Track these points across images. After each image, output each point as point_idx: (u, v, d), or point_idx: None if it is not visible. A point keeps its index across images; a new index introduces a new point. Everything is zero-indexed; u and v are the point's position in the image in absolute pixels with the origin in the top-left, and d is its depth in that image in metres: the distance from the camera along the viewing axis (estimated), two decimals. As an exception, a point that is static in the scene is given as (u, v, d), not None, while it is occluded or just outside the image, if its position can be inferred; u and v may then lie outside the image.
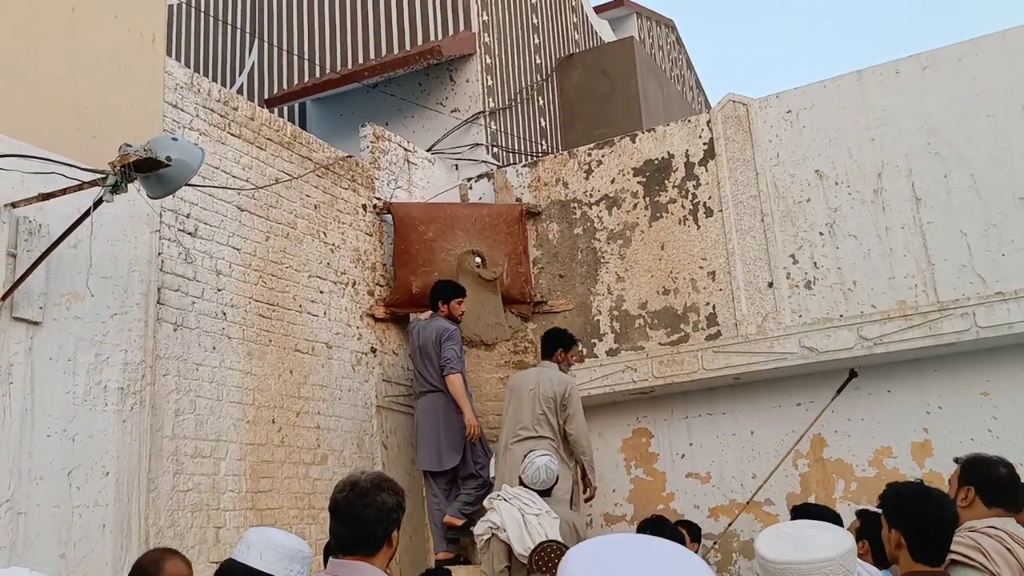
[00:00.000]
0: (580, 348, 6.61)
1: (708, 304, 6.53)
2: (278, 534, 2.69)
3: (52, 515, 4.17)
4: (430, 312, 6.49)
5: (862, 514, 4.41)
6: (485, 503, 5.41)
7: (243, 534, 2.73)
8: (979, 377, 6.00)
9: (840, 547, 2.03)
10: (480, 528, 5.21)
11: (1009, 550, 2.85)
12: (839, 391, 6.21)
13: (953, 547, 2.84)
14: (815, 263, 6.26)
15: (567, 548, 4.00)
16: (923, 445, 6.08)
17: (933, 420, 6.10)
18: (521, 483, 5.24)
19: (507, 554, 5.03)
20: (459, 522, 6.08)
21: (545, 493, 5.19)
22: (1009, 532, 2.93)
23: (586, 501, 6.44)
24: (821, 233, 6.28)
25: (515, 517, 4.96)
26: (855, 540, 4.23)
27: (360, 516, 2.46)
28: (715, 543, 6.47)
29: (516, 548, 4.90)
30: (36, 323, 4.22)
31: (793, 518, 4.41)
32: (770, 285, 6.34)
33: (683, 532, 5.20)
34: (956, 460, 3.35)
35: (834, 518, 4.34)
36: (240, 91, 9.62)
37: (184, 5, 10.33)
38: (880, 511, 2.79)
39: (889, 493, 2.76)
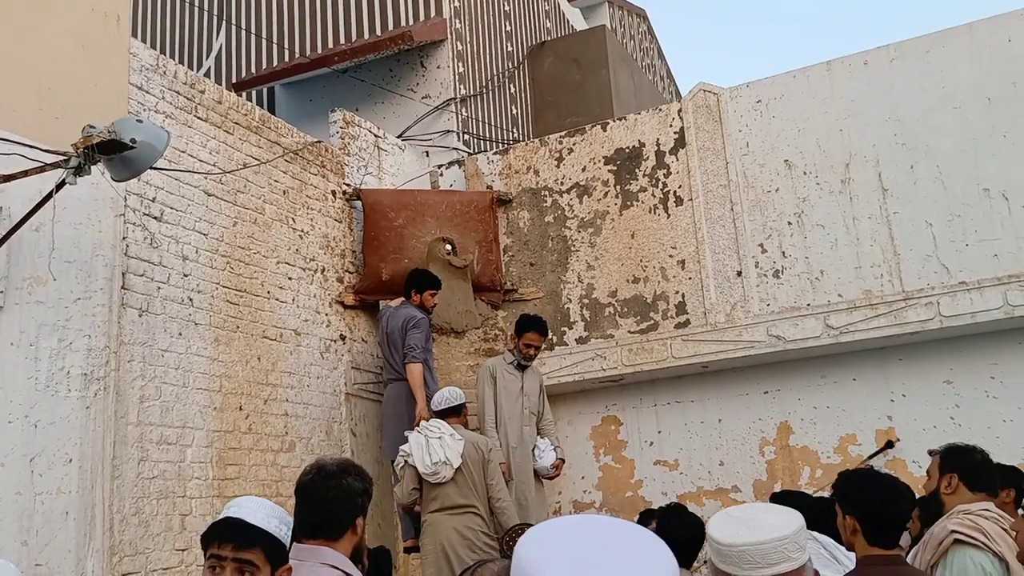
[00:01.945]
0: (536, 335, 6.10)
1: (677, 292, 6.56)
2: (261, 499, 2.68)
3: (14, 502, 4.10)
4: (401, 299, 6.45)
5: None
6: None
7: (224, 505, 2.69)
8: (942, 366, 6.09)
9: (792, 525, 2.06)
10: (397, 460, 5.54)
11: (1006, 531, 2.97)
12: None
13: (954, 527, 2.94)
14: (783, 252, 6.31)
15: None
16: (887, 432, 6.16)
17: (897, 408, 6.19)
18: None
19: (417, 477, 5.34)
20: None
21: (451, 412, 5.51)
22: (1000, 515, 3.04)
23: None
24: (789, 223, 6.33)
25: (420, 442, 5.35)
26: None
27: (324, 499, 2.44)
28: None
29: (420, 469, 5.28)
30: (-3, 307, 4.15)
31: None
32: (739, 274, 6.39)
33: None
34: (931, 452, 3.44)
35: (810, 502, 4.40)
36: (207, 74, 9.49)
37: (150, -14, 10.16)
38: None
39: (841, 480, 2.83)
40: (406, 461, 5.39)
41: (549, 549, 1.16)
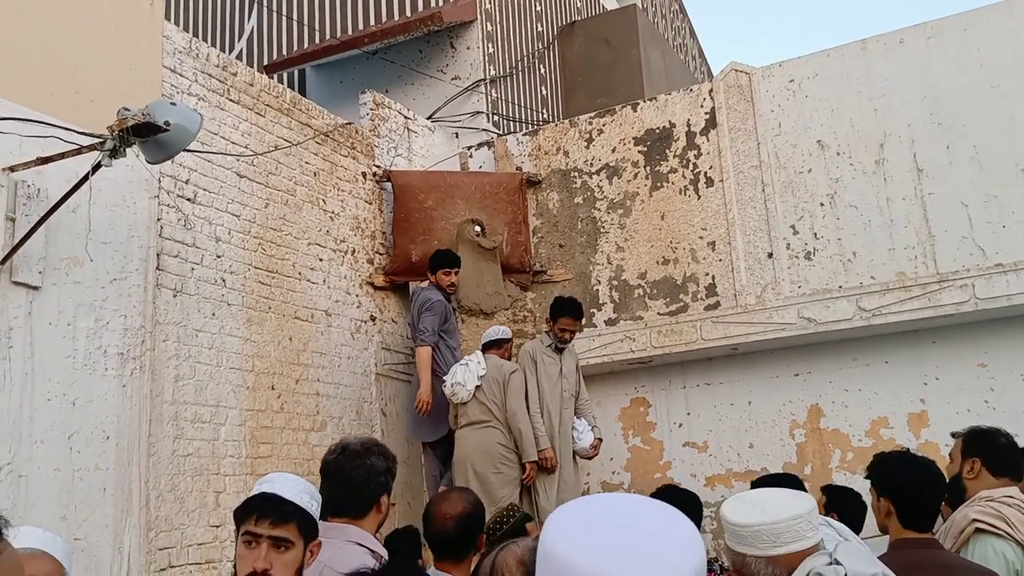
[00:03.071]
0: (570, 320, 6.00)
1: (707, 274, 6.53)
2: (292, 475, 2.74)
3: (53, 478, 4.20)
4: (427, 281, 6.49)
5: (827, 489, 4.49)
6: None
7: (256, 482, 2.74)
8: (977, 348, 6.02)
9: (805, 505, 2.09)
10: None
11: None
12: None
13: (975, 515, 2.91)
14: (815, 234, 6.25)
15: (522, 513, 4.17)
16: (920, 416, 6.11)
17: (930, 391, 6.13)
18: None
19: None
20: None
21: (492, 345, 6.16)
22: None
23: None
24: (822, 204, 6.27)
25: (455, 369, 6.01)
26: (825, 514, 4.31)
27: (349, 478, 2.48)
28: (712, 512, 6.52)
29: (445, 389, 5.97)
30: (35, 287, 4.23)
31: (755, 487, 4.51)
32: (770, 256, 6.34)
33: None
34: (954, 435, 3.39)
35: (797, 483, 4.38)
36: (239, 57, 9.55)
37: (183, -31, 10.22)
38: (844, 487, 2.85)
39: (877, 463, 2.81)
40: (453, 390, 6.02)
41: (577, 533, 1.16)
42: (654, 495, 3.79)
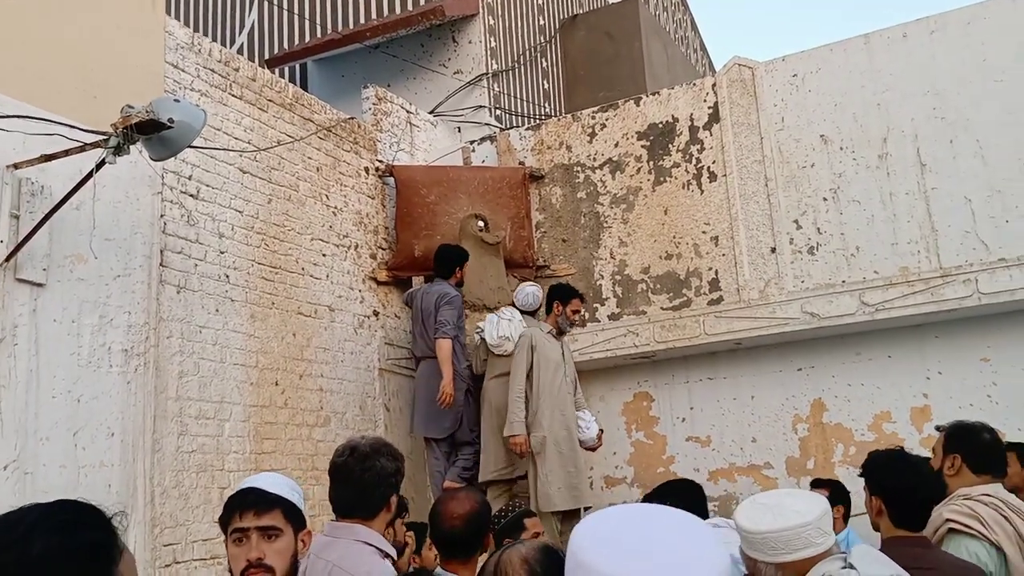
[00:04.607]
0: (579, 301, 6.22)
1: (711, 269, 6.53)
2: (273, 472, 2.77)
3: (58, 475, 4.21)
4: (422, 279, 6.52)
5: (816, 482, 4.48)
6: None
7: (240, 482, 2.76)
8: (980, 343, 6.02)
9: (815, 510, 2.08)
10: (474, 336, 6.53)
11: (1006, 518, 2.87)
12: None
13: (949, 515, 2.87)
14: (818, 228, 6.25)
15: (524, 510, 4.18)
16: (922, 410, 6.12)
17: (933, 386, 6.13)
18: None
19: (486, 350, 6.32)
20: (458, 487, 6.12)
21: (530, 315, 6.43)
22: (1004, 499, 2.95)
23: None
24: (825, 198, 6.26)
25: (492, 320, 6.30)
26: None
27: (359, 480, 2.49)
28: (715, 505, 6.53)
29: (487, 341, 6.26)
30: (40, 285, 4.23)
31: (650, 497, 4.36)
32: (773, 250, 6.34)
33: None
34: (939, 428, 3.34)
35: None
36: (240, 51, 9.54)
37: (183, -37, 10.20)
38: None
39: (868, 461, 2.81)
40: (481, 337, 6.33)
41: (606, 542, 1.17)
42: (655, 492, 3.80)
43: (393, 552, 2.48)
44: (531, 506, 5.37)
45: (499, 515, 4.21)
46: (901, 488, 2.66)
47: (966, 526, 2.84)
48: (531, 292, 6.47)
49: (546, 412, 5.92)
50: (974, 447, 3.12)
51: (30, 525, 1.18)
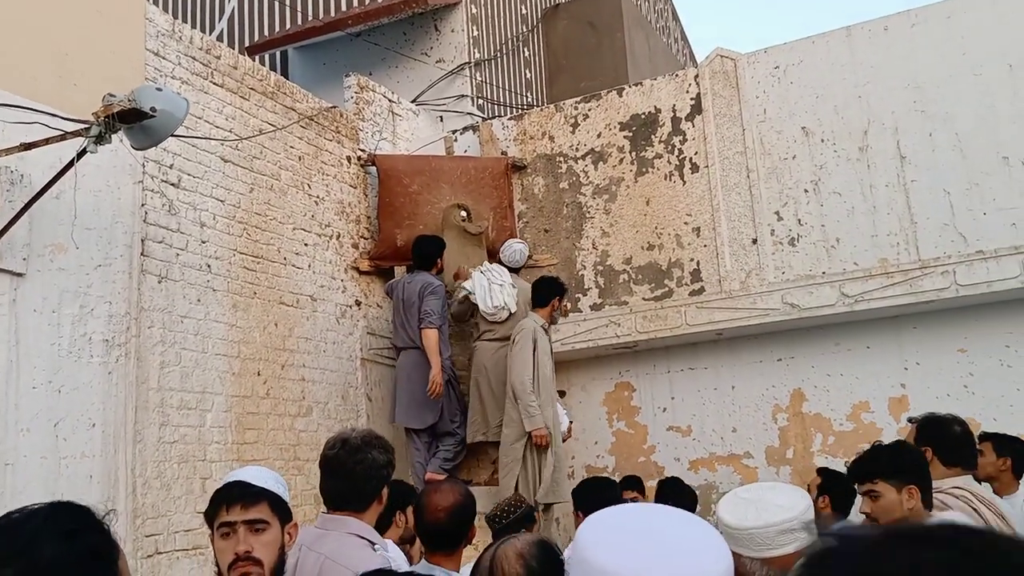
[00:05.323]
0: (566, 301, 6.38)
1: (692, 260, 6.56)
2: (257, 467, 2.78)
3: (39, 466, 4.17)
4: (404, 268, 6.52)
5: (823, 471, 4.53)
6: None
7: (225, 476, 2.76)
8: (957, 334, 6.10)
9: (799, 505, 2.10)
10: (459, 292, 6.48)
11: (976, 510, 2.90)
12: None
13: None
14: (799, 220, 6.29)
15: (525, 505, 4.20)
16: (900, 400, 6.19)
17: (911, 376, 6.20)
18: (500, 263, 6.61)
19: (473, 309, 6.44)
20: (440, 478, 6.13)
21: (515, 271, 6.55)
22: (973, 492, 2.98)
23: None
24: (806, 190, 6.31)
25: (483, 284, 6.34)
26: (817, 495, 4.37)
27: (351, 473, 2.49)
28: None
29: (481, 307, 6.32)
30: (20, 274, 4.19)
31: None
32: (754, 242, 6.38)
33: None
34: (911, 420, 3.39)
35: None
36: (219, 38, 9.44)
37: (162, -52, 10.07)
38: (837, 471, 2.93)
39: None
40: (467, 296, 6.37)
41: (609, 539, 1.18)
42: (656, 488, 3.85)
43: (385, 544, 2.48)
44: (527, 498, 5.36)
45: (505, 510, 4.19)
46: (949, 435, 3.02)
47: None
48: (518, 249, 6.57)
49: (547, 405, 5.95)
50: (945, 440, 3.15)
51: (34, 532, 1.20)
